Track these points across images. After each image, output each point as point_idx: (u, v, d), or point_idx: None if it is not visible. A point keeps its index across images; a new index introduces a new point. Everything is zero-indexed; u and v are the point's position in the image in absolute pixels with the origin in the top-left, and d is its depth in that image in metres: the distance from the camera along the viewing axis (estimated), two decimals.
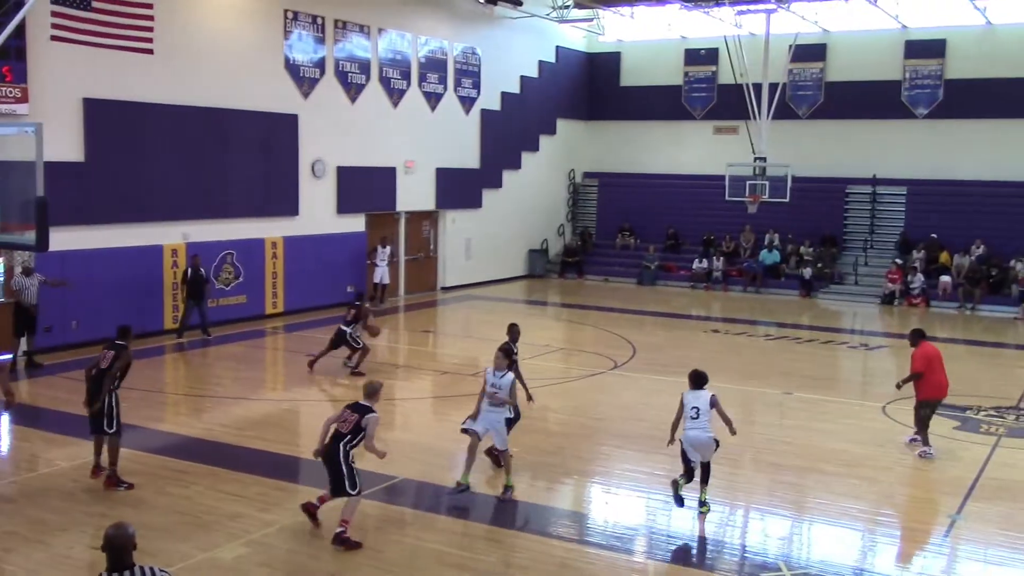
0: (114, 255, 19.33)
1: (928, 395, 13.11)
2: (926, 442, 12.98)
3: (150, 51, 19.72)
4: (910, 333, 13.59)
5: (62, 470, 11.71)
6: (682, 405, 10.75)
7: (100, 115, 19.05)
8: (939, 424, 13.60)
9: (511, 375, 11.19)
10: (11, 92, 17.36)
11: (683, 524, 10.79)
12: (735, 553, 10.03)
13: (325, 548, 9.66)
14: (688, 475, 10.66)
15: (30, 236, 12.13)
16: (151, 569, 5.45)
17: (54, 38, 18.17)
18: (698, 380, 10.87)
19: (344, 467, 9.59)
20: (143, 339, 19.53)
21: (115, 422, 11.05)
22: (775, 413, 15.55)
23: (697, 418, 10.57)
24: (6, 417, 14.10)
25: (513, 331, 12.72)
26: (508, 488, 10.99)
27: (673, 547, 9.89)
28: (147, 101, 19.85)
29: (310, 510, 9.94)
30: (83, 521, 10.09)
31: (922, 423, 13.12)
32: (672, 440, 10.76)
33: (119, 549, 5.42)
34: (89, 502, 10.64)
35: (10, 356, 17.18)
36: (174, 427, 13.86)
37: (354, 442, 9.68)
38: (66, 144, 18.41)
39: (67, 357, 17.79)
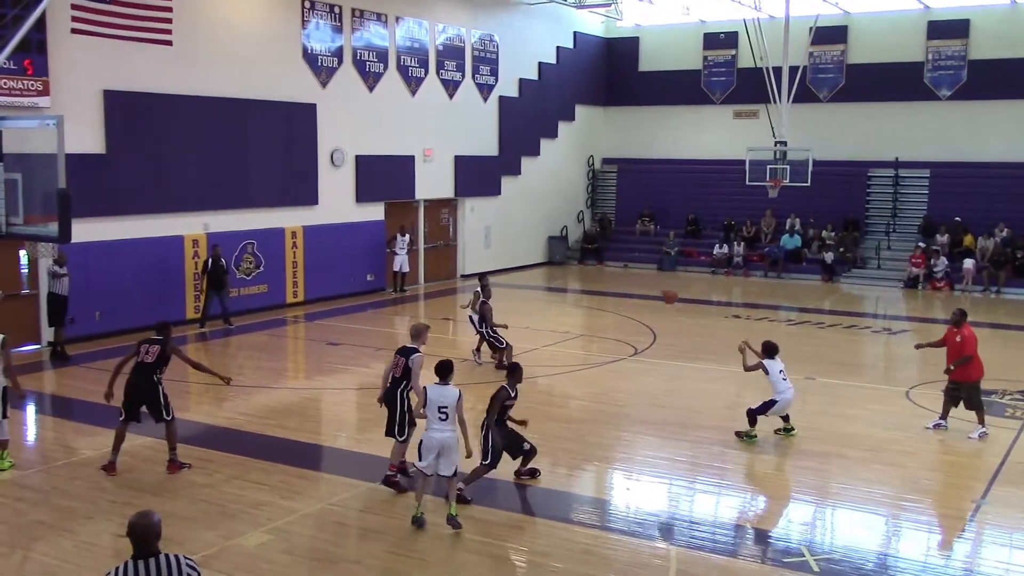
0: (135, 246, 19.44)
1: (979, 375, 13.13)
2: (982, 421, 13.01)
3: (169, 43, 19.79)
4: (958, 313, 13.49)
5: (88, 459, 11.80)
6: (766, 370, 12.65)
7: (120, 107, 19.14)
8: (962, 408, 13.45)
9: (455, 388, 9.77)
10: (33, 85, 17.48)
11: (705, 510, 10.80)
12: (758, 539, 10.00)
13: (347, 535, 9.72)
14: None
15: (53, 228, 12.26)
16: (176, 557, 5.48)
17: (74, 31, 18.27)
18: (773, 350, 12.80)
19: (398, 412, 10.52)
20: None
21: (171, 409, 11.39)
22: (797, 398, 15.29)
23: (786, 379, 12.67)
24: (32, 407, 14.25)
25: (514, 372, 10.89)
26: (452, 517, 9.63)
27: (695, 533, 9.86)
28: (166, 92, 19.94)
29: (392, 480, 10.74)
30: (109, 510, 10.18)
31: (979, 405, 13.05)
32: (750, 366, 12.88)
33: (144, 537, 5.43)
34: (115, 491, 10.74)
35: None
36: (197, 416, 13.94)
37: (409, 385, 10.55)
38: (87, 136, 18.51)
39: (91, 347, 17.94)
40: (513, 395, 10.73)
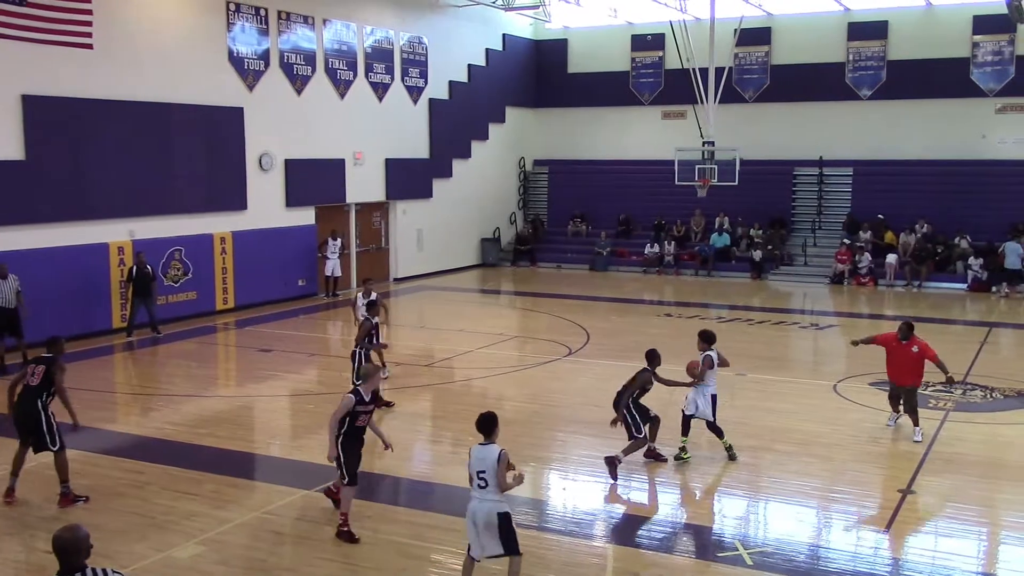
0: (59, 254, 18.97)
1: (919, 380, 13.20)
2: (917, 423, 12.89)
3: (90, 46, 19.33)
4: (905, 327, 13.15)
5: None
6: (713, 361, 12.07)
7: (40, 112, 18.67)
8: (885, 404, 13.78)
9: (496, 448, 7.97)
10: None
11: (640, 508, 10.89)
12: (692, 534, 10.12)
13: (282, 543, 9.61)
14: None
15: None
16: (103, 571, 5.35)
17: None
18: (712, 338, 12.32)
19: (337, 451, 9.45)
20: (92, 339, 19.28)
21: (57, 437, 10.39)
22: (728, 394, 15.56)
23: None
24: None
25: (653, 359, 11.71)
26: None
27: (631, 531, 9.96)
28: (88, 97, 19.51)
29: (330, 495, 10.21)
30: (35, 525, 9.92)
31: (915, 408, 12.96)
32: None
33: (70, 551, 5.31)
34: (41, 505, 10.45)
35: None
36: (126, 427, 13.68)
37: (343, 428, 9.40)
38: (5, 142, 18.08)
39: (14, 359, 17.46)
40: (653, 382, 11.66)
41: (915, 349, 12.94)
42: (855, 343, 13.75)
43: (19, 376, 10.65)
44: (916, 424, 12.84)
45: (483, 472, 7.87)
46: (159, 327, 20.12)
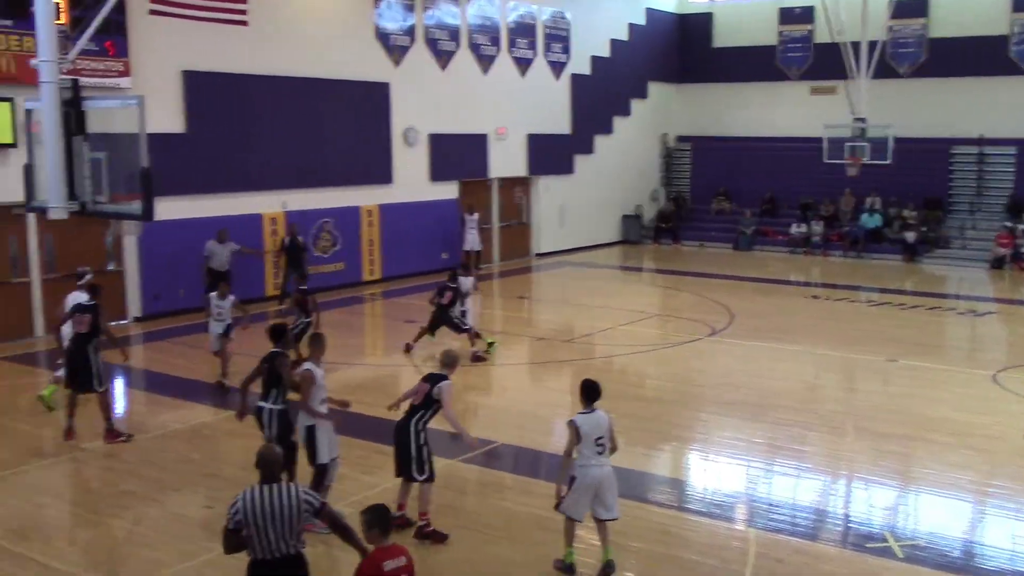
0: (216, 224, 19.68)
1: None
2: None
3: (244, 23, 20.03)
4: None
5: (176, 432, 12.07)
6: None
7: (199, 87, 19.45)
8: None
9: (604, 412, 8.42)
10: (114, 66, 17.85)
11: (784, 492, 10.66)
12: (839, 523, 9.84)
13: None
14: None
15: (136, 206, 12.48)
16: (296, 487, 6.22)
17: (152, 12, 18.59)
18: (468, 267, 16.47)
19: (413, 447, 8.94)
20: (246, 306, 19.97)
21: None
22: (879, 380, 15.16)
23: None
24: (121, 380, 14.60)
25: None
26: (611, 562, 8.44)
27: (774, 515, 9.74)
28: (243, 72, 20.20)
29: (399, 523, 8.86)
30: (197, 482, 10.41)
31: None
32: None
33: (270, 465, 6.24)
34: (203, 463, 10.98)
35: None
36: None
37: (426, 416, 9.04)
38: (168, 116, 18.86)
39: (176, 323, 18.36)
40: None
41: None
42: None
43: None
44: None
45: (601, 438, 8.25)
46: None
